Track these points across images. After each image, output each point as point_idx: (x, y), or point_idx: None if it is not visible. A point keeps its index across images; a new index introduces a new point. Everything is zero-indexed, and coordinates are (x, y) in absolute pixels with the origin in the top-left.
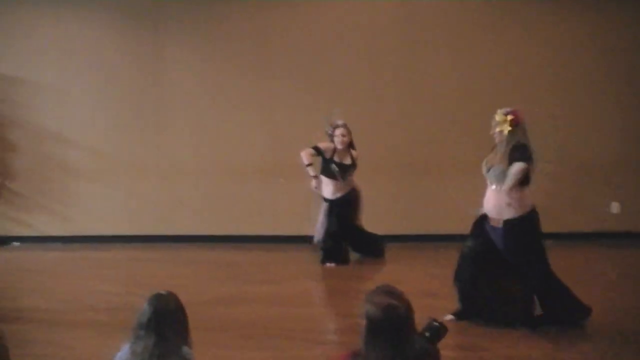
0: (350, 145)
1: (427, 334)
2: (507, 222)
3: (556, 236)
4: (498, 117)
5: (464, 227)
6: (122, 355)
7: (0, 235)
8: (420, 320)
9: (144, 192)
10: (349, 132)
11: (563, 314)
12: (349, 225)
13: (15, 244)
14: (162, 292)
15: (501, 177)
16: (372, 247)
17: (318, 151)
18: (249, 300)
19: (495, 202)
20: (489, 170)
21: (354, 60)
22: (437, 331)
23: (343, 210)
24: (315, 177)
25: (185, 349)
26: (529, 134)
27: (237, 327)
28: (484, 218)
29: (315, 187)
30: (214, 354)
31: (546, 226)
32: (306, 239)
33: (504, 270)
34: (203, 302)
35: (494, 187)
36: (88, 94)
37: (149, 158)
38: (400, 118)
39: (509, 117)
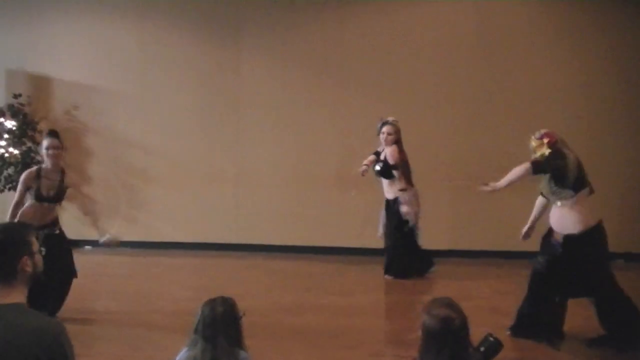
0: (397, 144)
1: (482, 349)
2: (567, 237)
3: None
4: (534, 142)
5: (531, 244)
6: (180, 357)
7: (74, 238)
8: (481, 336)
9: (218, 200)
10: (396, 131)
11: (627, 335)
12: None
13: (88, 247)
14: (215, 297)
15: (552, 191)
16: (417, 263)
17: (377, 155)
18: (317, 310)
19: (557, 216)
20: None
21: (429, 69)
22: (493, 346)
23: (391, 214)
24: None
25: (241, 352)
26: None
27: (304, 336)
28: (550, 233)
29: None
30: None
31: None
32: (379, 252)
33: (573, 286)
34: (271, 310)
35: (558, 203)
36: (166, 103)
37: (224, 167)
38: (470, 128)
39: (545, 140)
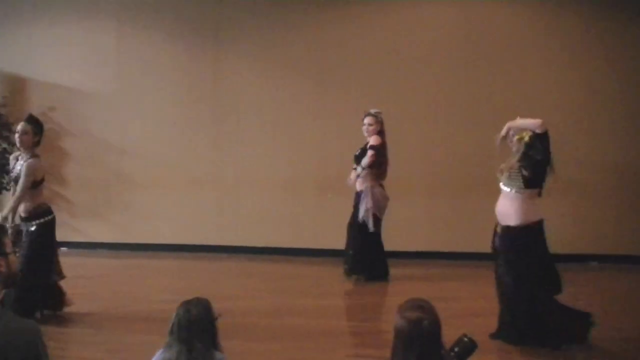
0: (379, 135)
1: (455, 349)
2: (505, 229)
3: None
4: (517, 137)
5: None
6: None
7: None
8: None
9: (197, 203)
10: (377, 122)
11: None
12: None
13: (63, 249)
14: (191, 299)
15: (515, 178)
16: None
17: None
18: (296, 313)
19: (502, 207)
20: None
21: (412, 73)
22: (467, 347)
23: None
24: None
25: (217, 354)
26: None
27: (282, 338)
28: (495, 228)
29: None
30: None
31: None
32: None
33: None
34: (250, 312)
35: (508, 190)
36: (143, 106)
37: (204, 169)
38: (468, 129)
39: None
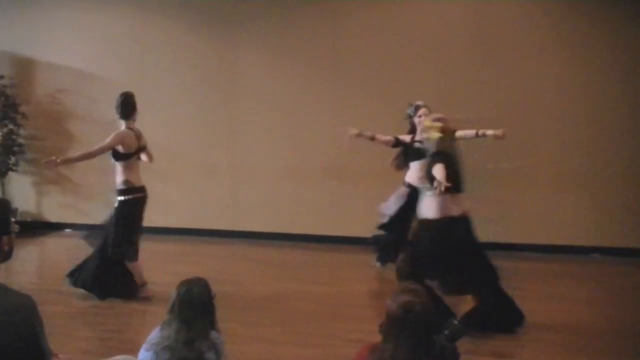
0: None
1: (446, 332)
2: (420, 221)
3: None
4: (427, 123)
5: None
6: (153, 337)
7: (56, 221)
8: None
9: (208, 189)
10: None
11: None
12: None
13: (68, 230)
14: (191, 278)
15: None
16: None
17: (397, 141)
18: (301, 298)
19: (422, 204)
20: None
21: (424, 65)
22: (457, 330)
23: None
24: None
25: (214, 333)
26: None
27: (285, 322)
28: None
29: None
30: (263, 348)
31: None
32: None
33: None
34: (257, 298)
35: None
36: (156, 93)
37: (217, 157)
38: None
39: (437, 125)
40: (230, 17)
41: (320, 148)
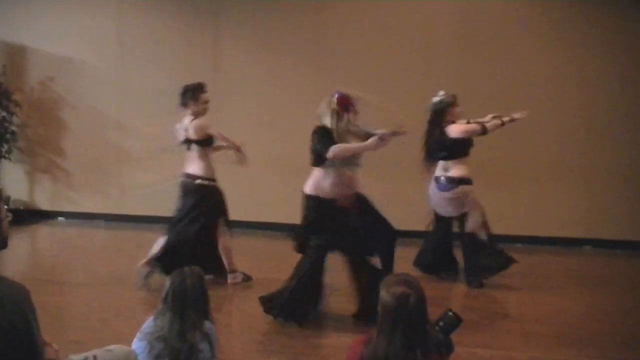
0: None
1: (440, 324)
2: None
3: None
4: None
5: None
6: (147, 327)
7: (48, 210)
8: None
9: None
10: None
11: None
12: None
13: (61, 219)
14: (184, 268)
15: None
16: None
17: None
18: None
19: None
20: None
21: (409, 59)
22: (452, 322)
23: None
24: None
25: (207, 323)
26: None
27: None
28: None
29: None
30: (253, 339)
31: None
32: None
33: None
34: (246, 287)
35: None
36: (142, 83)
37: None
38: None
39: (334, 99)
40: (214, 10)
41: (305, 139)
